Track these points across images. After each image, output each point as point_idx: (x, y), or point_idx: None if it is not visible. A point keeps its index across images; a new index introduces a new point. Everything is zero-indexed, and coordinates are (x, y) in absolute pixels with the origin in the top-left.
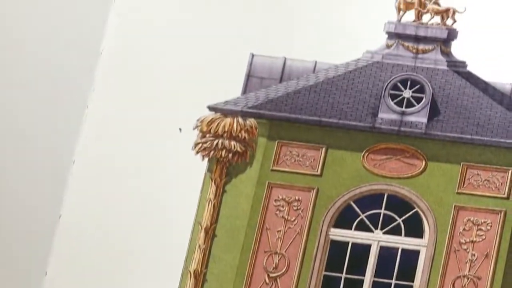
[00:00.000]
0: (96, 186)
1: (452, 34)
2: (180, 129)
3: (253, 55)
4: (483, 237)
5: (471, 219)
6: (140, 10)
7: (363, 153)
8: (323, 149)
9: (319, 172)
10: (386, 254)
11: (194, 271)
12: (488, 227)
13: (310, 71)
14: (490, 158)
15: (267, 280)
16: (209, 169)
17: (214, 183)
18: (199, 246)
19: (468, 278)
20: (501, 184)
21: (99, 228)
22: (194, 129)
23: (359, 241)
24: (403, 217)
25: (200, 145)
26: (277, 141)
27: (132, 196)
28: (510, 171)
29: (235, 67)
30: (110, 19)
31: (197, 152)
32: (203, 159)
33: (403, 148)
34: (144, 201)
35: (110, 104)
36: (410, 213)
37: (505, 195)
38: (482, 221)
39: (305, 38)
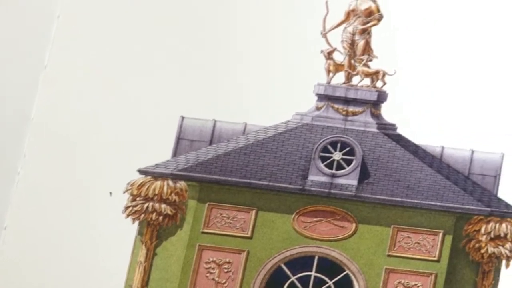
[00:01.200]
0: (28, 251)
1: (382, 96)
2: (110, 193)
3: (183, 118)
4: None
5: (402, 281)
6: (69, 76)
7: (293, 215)
8: (254, 212)
9: (249, 235)
10: None
11: None
12: None
13: (240, 133)
14: (420, 221)
15: None
16: (140, 232)
17: (145, 246)
18: None
19: None
20: (432, 246)
21: None
22: (124, 192)
23: None
24: (334, 280)
25: (130, 208)
26: (207, 204)
27: (63, 259)
28: (440, 234)
29: (165, 130)
30: (39, 87)
31: (128, 216)
32: (133, 222)
33: (334, 210)
34: (75, 265)
35: (41, 170)
36: (341, 275)
37: (436, 258)
38: (413, 283)
39: (235, 100)
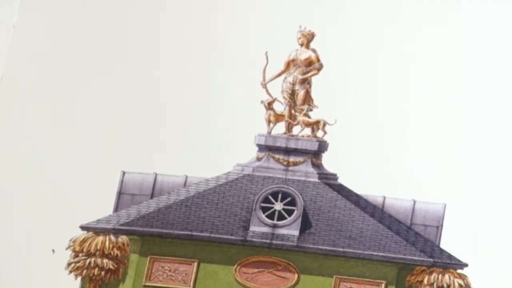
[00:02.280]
0: None
1: (322, 146)
2: (53, 250)
3: (124, 173)
4: None
5: None
6: (9, 129)
7: (235, 266)
8: (195, 264)
9: (191, 287)
10: None
11: None
12: None
13: (181, 185)
14: (363, 271)
15: None
16: None
17: None
18: None
19: None
20: None
21: None
22: (67, 249)
23: None
24: None
25: (73, 264)
26: (149, 257)
27: None
28: (383, 285)
29: (106, 185)
30: None
31: (70, 272)
32: (76, 278)
33: (275, 261)
34: None
35: None
36: None
37: None
38: None
39: (175, 153)
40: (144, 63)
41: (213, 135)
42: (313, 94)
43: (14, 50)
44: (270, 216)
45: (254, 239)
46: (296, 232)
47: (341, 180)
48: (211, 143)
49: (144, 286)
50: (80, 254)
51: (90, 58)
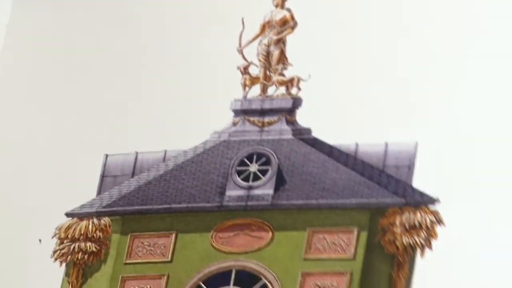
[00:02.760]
0: None
1: (296, 103)
2: (40, 240)
3: (107, 156)
4: None
5: (318, 283)
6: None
7: (211, 233)
8: (173, 235)
9: (169, 259)
10: None
11: None
12: None
13: (161, 160)
14: (336, 221)
15: None
16: (67, 273)
17: (71, 286)
18: None
19: None
20: (348, 245)
21: None
22: (53, 237)
23: None
24: None
25: (58, 251)
26: (129, 235)
27: None
28: (355, 231)
29: (89, 170)
30: None
31: (56, 259)
32: (61, 265)
33: (250, 222)
34: None
35: None
36: (258, 285)
37: (351, 256)
38: (329, 284)
39: (154, 128)
40: (118, 37)
41: (191, 104)
42: (288, 53)
43: None
44: (246, 179)
45: (230, 204)
46: (270, 191)
47: (315, 134)
48: (189, 113)
49: (125, 264)
50: (65, 241)
51: (71, 43)
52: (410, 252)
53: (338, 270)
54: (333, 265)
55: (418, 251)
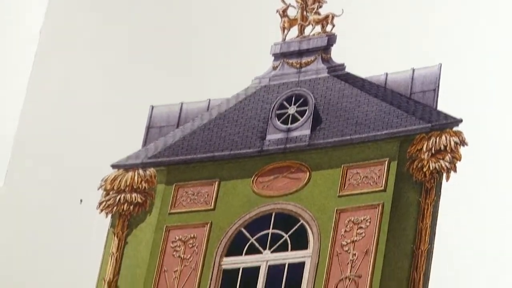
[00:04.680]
0: (3, 246)
1: (331, 40)
2: (81, 201)
3: (152, 107)
4: (363, 234)
5: (352, 219)
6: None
7: (252, 178)
8: (216, 183)
9: (212, 206)
10: (274, 272)
11: None
12: (368, 223)
13: (205, 110)
14: (368, 154)
15: None
16: (112, 224)
17: (117, 237)
18: None
19: (349, 279)
20: (379, 177)
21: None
22: (98, 189)
23: (249, 265)
24: (290, 232)
25: (104, 203)
26: (174, 185)
27: (42, 260)
28: (386, 162)
29: (136, 122)
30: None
31: (101, 211)
32: (106, 216)
33: (289, 164)
34: (53, 266)
35: (22, 176)
36: (296, 226)
37: (383, 188)
38: (362, 218)
39: (198, 78)
40: None
41: (234, 53)
42: None
43: None
44: (285, 122)
45: (270, 147)
46: (307, 131)
47: (348, 69)
48: (231, 61)
49: (169, 213)
50: (111, 192)
51: None
52: (436, 177)
53: (370, 203)
54: (366, 199)
55: (444, 176)
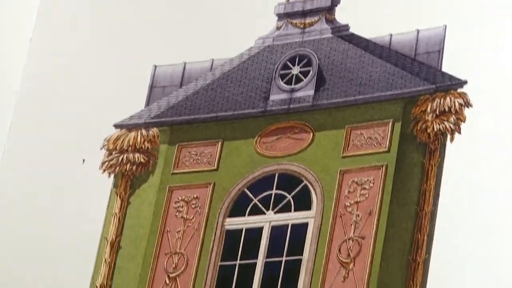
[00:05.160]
0: (11, 206)
1: (335, 1)
2: (83, 160)
3: (155, 67)
4: (366, 195)
5: (355, 180)
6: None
7: (255, 138)
8: (219, 143)
9: (215, 167)
10: (277, 233)
11: (100, 285)
12: (371, 185)
13: (208, 70)
14: (372, 115)
15: (167, 281)
16: (115, 185)
17: (119, 197)
18: (105, 260)
19: (353, 240)
20: (382, 138)
21: (9, 253)
22: (101, 148)
23: (252, 225)
24: (293, 193)
25: (106, 163)
26: (177, 145)
27: (44, 220)
28: (390, 123)
29: (139, 81)
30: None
31: (104, 171)
32: (109, 176)
33: (292, 125)
34: (56, 226)
35: (26, 138)
36: (299, 187)
37: (386, 149)
38: (365, 179)
39: (200, 38)
40: None
41: (237, 12)
42: None
43: None
44: (289, 82)
45: (274, 108)
46: (311, 92)
47: (353, 29)
48: (235, 21)
49: (172, 174)
50: (113, 152)
51: None
52: (440, 138)
53: (374, 164)
54: (370, 160)
55: (448, 137)
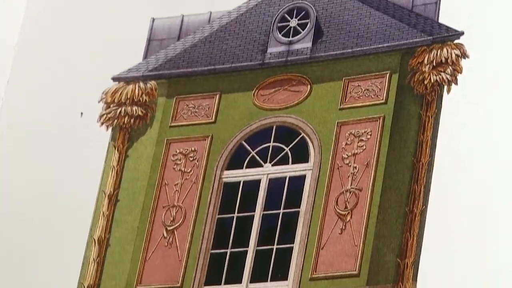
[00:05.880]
0: (6, 159)
1: None
2: (81, 114)
3: (153, 20)
4: (364, 147)
5: (353, 132)
6: None
7: (253, 91)
8: (217, 96)
9: (213, 119)
10: (275, 185)
11: (98, 238)
12: (368, 136)
13: (206, 22)
14: (369, 67)
15: (165, 234)
16: (113, 138)
17: (117, 150)
18: (103, 213)
19: (350, 192)
20: (380, 90)
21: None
22: (99, 101)
23: (250, 178)
24: (290, 145)
25: (104, 116)
26: (175, 98)
27: (42, 174)
28: (387, 75)
29: (137, 34)
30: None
31: (102, 123)
32: (107, 129)
33: (290, 77)
34: (54, 179)
35: (26, 93)
36: (297, 139)
37: (384, 100)
38: (363, 131)
39: None
40: None
41: None
42: None
43: None
44: (287, 35)
45: (271, 60)
46: (309, 44)
47: None
48: None
49: (170, 127)
50: (111, 105)
51: None
52: (437, 89)
53: (371, 116)
54: (367, 112)
55: (445, 88)
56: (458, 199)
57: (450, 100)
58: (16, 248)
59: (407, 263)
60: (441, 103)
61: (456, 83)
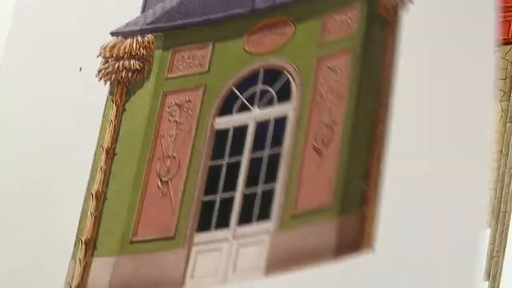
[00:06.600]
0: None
1: None
2: (80, 69)
3: None
4: (338, 80)
5: (329, 65)
6: None
7: (244, 37)
8: (210, 45)
9: (207, 69)
10: (262, 128)
11: (96, 192)
12: (342, 69)
13: None
14: (347, 1)
15: (159, 185)
16: (111, 92)
17: (115, 104)
18: (101, 167)
19: (327, 126)
20: (352, 21)
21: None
22: (98, 56)
23: (238, 123)
24: (276, 87)
25: (103, 71)
26: (171, 50)
27: (41, 129)
28: (359, 5)
29: None
30: None
31: (100, 78)
32: (105, 84)
33: (277, 20)
34: (52, 135)
35: (25, 49)
36: (282, 81)
37: (356, 31)
38: (338, 65)
39: None
40: None
41: None
42: None
43: None
44: None
45: (262, 6)
46: None
47: None
48: None
49: (166, 79)
50: (110, 60)
51: None
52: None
53: (345, 48)
54: (343, 43)
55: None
56: (417, 118)
57: (409, 21)
58: (15, 204)
59: (371, 187)
60: (400, 24)
61: (412, 2)
